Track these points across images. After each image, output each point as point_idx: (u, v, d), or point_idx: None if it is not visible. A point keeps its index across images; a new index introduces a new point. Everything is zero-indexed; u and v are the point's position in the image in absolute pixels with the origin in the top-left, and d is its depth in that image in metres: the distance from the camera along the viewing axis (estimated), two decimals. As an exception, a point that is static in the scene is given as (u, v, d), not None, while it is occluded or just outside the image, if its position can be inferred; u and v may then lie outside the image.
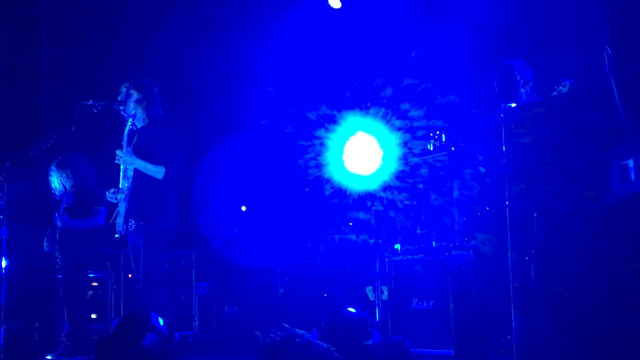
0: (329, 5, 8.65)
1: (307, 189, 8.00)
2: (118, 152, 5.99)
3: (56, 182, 7.35)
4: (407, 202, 7.15)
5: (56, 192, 7.38)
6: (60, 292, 7.19)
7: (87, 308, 7.47)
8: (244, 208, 5.95)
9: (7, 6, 9.06)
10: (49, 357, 6.86)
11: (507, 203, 4.11)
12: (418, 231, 6.96)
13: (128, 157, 5.95)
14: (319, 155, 7.92)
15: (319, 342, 2.69)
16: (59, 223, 7.17)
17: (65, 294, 7.13)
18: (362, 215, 7.45)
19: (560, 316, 3.65)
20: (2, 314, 6.12)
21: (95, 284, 8.43)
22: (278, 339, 2.61)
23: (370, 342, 4.19)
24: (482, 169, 6.21)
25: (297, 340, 2.62)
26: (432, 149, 7.01)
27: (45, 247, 7.41)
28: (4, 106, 8.98)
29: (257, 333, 2.59)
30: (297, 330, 2.68)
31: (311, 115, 8.36)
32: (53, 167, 7.35)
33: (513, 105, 5.12)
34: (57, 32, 9.28)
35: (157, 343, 5.02)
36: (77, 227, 7.19)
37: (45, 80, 9.25)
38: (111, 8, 9.09)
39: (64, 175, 7.32)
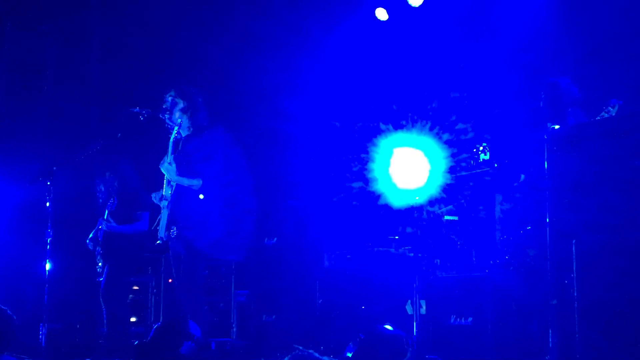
0: (376, 18, 8.64)
1: (357, 203, 8.00)
2: (165, 159, 6.05)
3: (101, 185, 7.43)
4: (449, 217, 7.11)
5: (101, 195, 7.46)
6: (100, 294, 7.25)
7: (126, 311, 7.53)
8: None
9: (59, 17, 9.25)
10: None
11: (547, 221, 4.07)
12: (458, 246, 6.92)
13: (168, 168, 6.01)
14: (364, 168, 7.92)
15: (326, 358, 2.69)
16: (104, 227, 7.23)
17: (105, 296, 7.17)
18: (402, 228, 7.42)
19: (598, 338, 3.60)
20: (45, 315, 6.23)
21: (136, 287, 8.53)
22: None
23: (405, 361, 4.19)
24: (522, 176, 6.14)
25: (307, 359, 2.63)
26: (475, 164, 6.97)
27: (89, 246, 7.48)
28: (52, 111, 9.15)
29: None
30: (310, 351, 2.69)
31: (357, 129, 8.36)
32: (98, 171, 7.43)
33: (556, 127, 5.06)
34: (106, 42, 9.43)
35: (194, 351, 5.08)
36: (122, 232, 7.27)
37: (93, 88, 9.40)
38: (159, 20, 9.20)
39: (109, 179, 7.39)
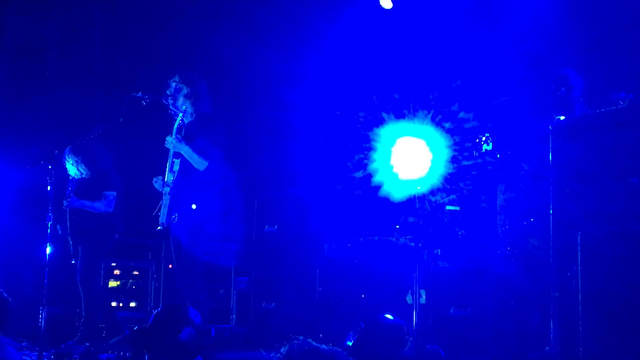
0: (379, 6, 8.61)
1: (358, 192, 7.99)
2: (168, 137, 6.07)
3: (70, 167, 7.32)
4: (451, 207, 7.10)
5: (71, 177, 7.35)
6: (77, 279, 7.15)
7: (105, 295, 7.47)
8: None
9: (61, 2, 9.22)
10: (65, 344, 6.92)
11: (550, 212, 4.05)
12: (460, 236, 6.91)
13: (177, 143, 6.03)
14: (365, 157, 7.91)
15: (324, 346, 2.71)
16: (65, 204, 7.10)
17: (82, 281, 7.09)
18: (404, 217, 7.41)
19: (601, 331, 3.59)
20: (45, 299, 6.22)
21: (136, 272, 8.52)
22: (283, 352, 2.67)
23: (405, 350, 4.18)
24: (525, 166, 6.13)
25: (305, 347, 2.65)
26: (477, 154, 6.95)
27: (58, 230, 7.39)
28: (54, 96, 9.14)
29: (262, 351, 2.67)
30: (308, 340, 2.71)
31: (359, 118, 8.35)
32: (67, 153, 7.26)
33: (562, 118, 5.04)
34: (109, 29, 9.41)
35: (193, 337, 5.08)
36: (82, 208, 7.14)
37: (96, 74, 9.39)
38: (161, 9, 9.18)
39: (77, 161, 7.28)
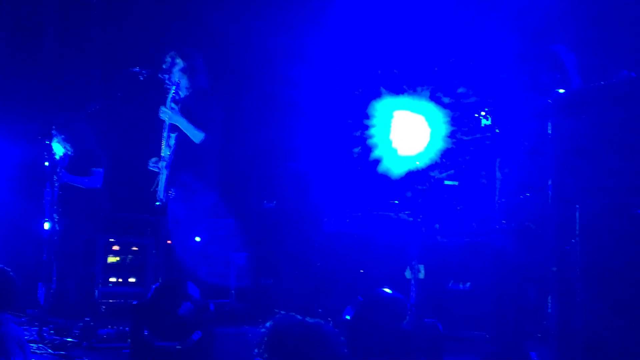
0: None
1: (357, 167, 7.98)
2: (162, 107, 6.06)
3: (56, 145, 7.32)
4: (449, 182, 7.10)
5: (57, 154, 7.35)
6: (52, 252, 7.14)
7: (87, 271, 7.49)
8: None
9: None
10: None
11: (549, 186, 4.04)
12: (458, 211, 6.92)
13: (172, 114, 6.02)
14: (364, 132, 7.90)
15: (309, 319, 2.74)
16: (55, 179, 7.12)
17: (57, 251, 7.10)
18: (402, 193, 7.41)
19: (599, 304, 3.60)
20: (43, 274, 6.24)
21: (135, 248, 8.53)
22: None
23: (403, 324, 4.20)
24: (524, 142, 6.13)
25: (289, 321, 2.68)
26: (476, 129, 6.93)
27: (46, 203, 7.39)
28: (52, 71, 9.11)
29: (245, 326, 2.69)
30: (291, 313, 2.74)
31: (358, 93, 8.32)
32: (53, 131, 7.28)
33: (561, 91, 5.00)
34: (107, 3, 9.36)
35: (192, 312, 5.09)
36: (73, 183, 7.17)
37: (94, 49, 9.35)
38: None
39: (62, 138, 7.29)
